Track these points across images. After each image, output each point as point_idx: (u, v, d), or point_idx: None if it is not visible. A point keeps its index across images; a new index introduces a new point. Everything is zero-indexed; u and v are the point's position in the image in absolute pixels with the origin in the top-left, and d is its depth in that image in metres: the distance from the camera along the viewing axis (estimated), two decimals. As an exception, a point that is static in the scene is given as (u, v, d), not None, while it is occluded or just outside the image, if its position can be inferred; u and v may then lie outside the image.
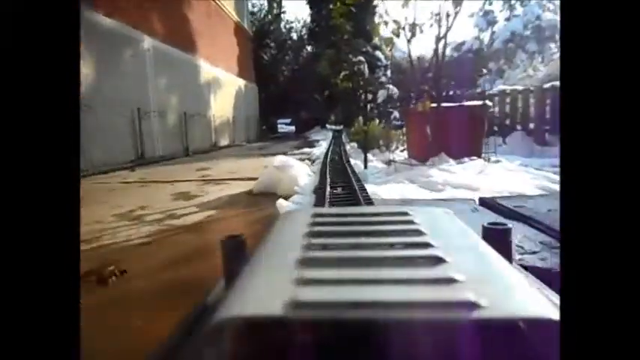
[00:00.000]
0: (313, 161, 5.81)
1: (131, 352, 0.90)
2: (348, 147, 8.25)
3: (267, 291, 0.23)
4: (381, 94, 12.27)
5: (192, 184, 4.09)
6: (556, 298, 0.27)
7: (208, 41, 11.67)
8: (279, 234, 0.35)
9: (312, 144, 10.15)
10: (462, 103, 5.31)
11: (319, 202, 2.32)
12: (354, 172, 3.85)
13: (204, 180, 4.33)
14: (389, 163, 5.33)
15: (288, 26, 23.72)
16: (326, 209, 0.42)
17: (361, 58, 13.04)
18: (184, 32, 9.98)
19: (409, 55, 5.27)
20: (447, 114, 4.96)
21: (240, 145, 12.54)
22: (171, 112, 8.86)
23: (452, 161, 4.83)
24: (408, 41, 5.14)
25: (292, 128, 23.55)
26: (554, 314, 0.20)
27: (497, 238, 0.36)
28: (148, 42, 7.81)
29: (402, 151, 7.14)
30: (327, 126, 22.57)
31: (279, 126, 25.15)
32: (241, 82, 15.35)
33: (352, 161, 5.61)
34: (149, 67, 7.82)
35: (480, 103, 5.42)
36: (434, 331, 0.20)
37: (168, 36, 8.77)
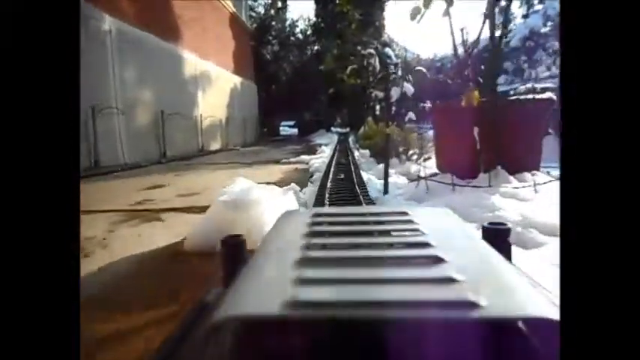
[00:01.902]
0: (312, 175, 4.26)
1: None
2: (356, 154, 6.67)
3: (267, 290, 0.23)
4: (395, 92, 10.69)
5: (107, 219, 2.53)
6: (556, 298, 0.26)
7: (197, 30, 10.19)
8: (279, 233, 0.35)
9: (314, 149, 8.59)
10: (525, 97, 3.72)
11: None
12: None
13: (135, 210, 2.78)
14: (418, 179, 3.75)
15: (291, 23, 22.24)
16: (325, 209, 0.50)
17: (371, 50, 11.48)
18: (164, 17, 8.50)
19: (451, 32, 3.68)
20: (506, 111, 3.37)
21: (233, 150, 11.02)
22: (143, 110, 7.35)
23: (513, 179, 3.23)
24: (448, 5, 3.57)
25: (295, 131, 22.04)
26: (554, 314, 0.20)
27: (498, 238, 0.36)
28: (109, 23, 6.31)
29: (425, 160, 5.58)
30: (333, 129, 21.21)
31: (281, 128, 23.78)
32: (237, 80, 13.85)
33: (364, 175, 4.04)
34: (110, 54, 6.32)
35: (545, 97, 3.82)
36: (433, 330, 0.20)
37: (140, 19, 7.28)
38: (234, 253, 0.37)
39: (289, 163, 6.13)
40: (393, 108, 11.42)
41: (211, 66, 11.18)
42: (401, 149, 5.46)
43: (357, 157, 5.92)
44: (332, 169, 4.18)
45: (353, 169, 4.10)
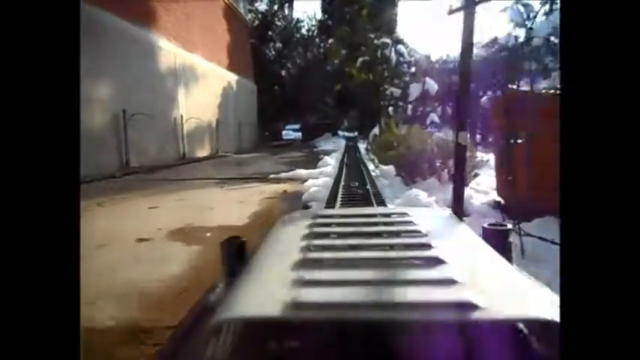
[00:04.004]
0: (308, 205, 2.57)
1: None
2: (371, 167, 4.95)
3: (268, 292, 0.23)
4: (414, 90, 8.94)
5: None
6: (556, 299, 0.26)
7: (178, 17, 8.60)
8: (280, 235, 0.35)
9: (316, 157, 6.90)
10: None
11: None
12: None
13: None
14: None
15: (295, 21, 20.63)
16: (326, 210, 0.51)
17: (386, 39, 9.76)
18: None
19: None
20: None
21: (223, 157, 9.38)
22: (95, 109, 5.72)
23: None
24: None
25: (299, 135, 20.41)
26: (554, 315, 0.20)
27: (498, 239, 0.35)
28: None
29: (471, 177, 3.89)
30: (339, 132, 19.61)
31: (285, 132, 22.22)
32: (232, 78, 12.23)
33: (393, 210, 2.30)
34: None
35: None
36: (434, 331, 0.19)
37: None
38: (235, 254, 0.36)
39: (279, 180, 4.44)
40: (412, 107, 9.67)
41: (198, 59, 9.56)
42: (438, 163, 3.76)
43: (373, 174, 4.22)
44: (338, 204, 2.44)
45: (375, 204, 2.36)
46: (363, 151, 7.92)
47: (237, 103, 12.48)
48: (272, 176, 4.70)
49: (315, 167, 5.18)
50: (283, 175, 4.67)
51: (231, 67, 12.21)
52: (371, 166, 4.96)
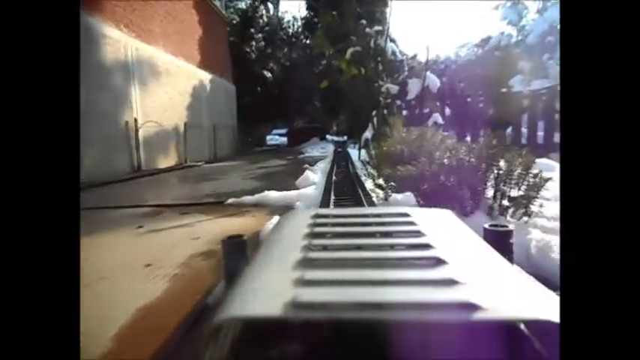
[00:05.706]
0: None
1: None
2: (369, 185, 3.59)
3: (268, 291, 0.23)
4: (414, 86, 7.64)
5: None
6: (557, 299, 0.25)
7: (133, 2, 7.16)
8: (281, 234, 0.34)
9: (300, 166, 5.54)
10: None
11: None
12: None
13: None
14: None
15: (279, 20, 19.25)
16: (327, 210, 0.41)
17: (379, 27, 8.45)
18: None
19: None
20: None
21: (192, 167, 7.93)
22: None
23: None
24: None
25: (285, 140, 19.04)
26: (555, 316, 0.20)
27: (499, 240, 0.35)
28: None
29: (525, 206, 2.57)
30: (328, 137, 18.35)
31: (271, 137, 20.85)
32: (205, 76, 10.79)
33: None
34: None
35: None
36: (434, 332, 0.20)
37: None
38: (235, 254, 0.36)
39: (239, 210, 3.04)
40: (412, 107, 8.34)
41: (159, 53, 8.11)
42: (487, 187, 2.42)
43: (374, 197, 2.87)
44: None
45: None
46: (355, 160, 6.55)
47: (211, 104, 11.03)
48: (233, 200, 3.31)
49: (295, 181, 3.82)
50: (246, 199, 3.28)
51: (204, 65, 10.77)
52: (368, 184, 3.60)
